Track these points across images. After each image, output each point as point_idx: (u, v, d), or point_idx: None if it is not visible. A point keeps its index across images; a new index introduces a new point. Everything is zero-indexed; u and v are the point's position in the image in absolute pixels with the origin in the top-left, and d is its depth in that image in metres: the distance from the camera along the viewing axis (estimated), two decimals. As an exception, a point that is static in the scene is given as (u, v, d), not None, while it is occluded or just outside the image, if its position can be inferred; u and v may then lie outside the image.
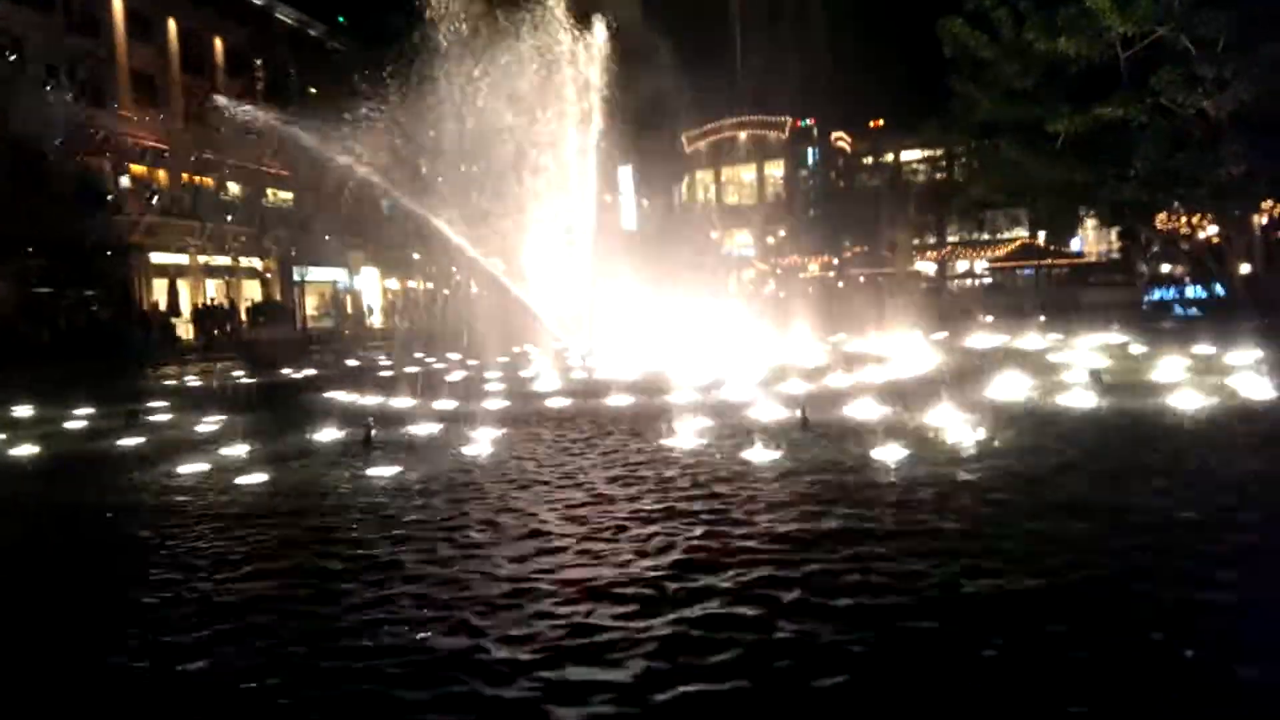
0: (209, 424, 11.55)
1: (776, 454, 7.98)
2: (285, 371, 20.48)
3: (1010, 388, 11.81)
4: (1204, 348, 15.80)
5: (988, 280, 65.24)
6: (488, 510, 6.51)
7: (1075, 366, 14.10)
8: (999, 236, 66.50)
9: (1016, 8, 24.80)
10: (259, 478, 7.94)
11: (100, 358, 23.03)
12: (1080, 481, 6.64)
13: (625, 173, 73.49)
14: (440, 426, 10.53)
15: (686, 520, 5.92)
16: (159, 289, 39.97)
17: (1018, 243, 63.15)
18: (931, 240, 67.23)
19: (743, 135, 72.75)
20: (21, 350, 24.92)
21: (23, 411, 13.32)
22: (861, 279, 62.03)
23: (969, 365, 16.00)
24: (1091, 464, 7.21)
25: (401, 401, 13.39)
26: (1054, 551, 4.94)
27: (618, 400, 12.49)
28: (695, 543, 5.41)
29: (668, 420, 10.07)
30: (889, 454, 7.76)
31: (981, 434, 8.57)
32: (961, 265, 70.61)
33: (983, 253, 66.38)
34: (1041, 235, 54.87)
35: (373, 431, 9.76)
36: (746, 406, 11.06)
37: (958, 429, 8.86)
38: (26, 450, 10.04)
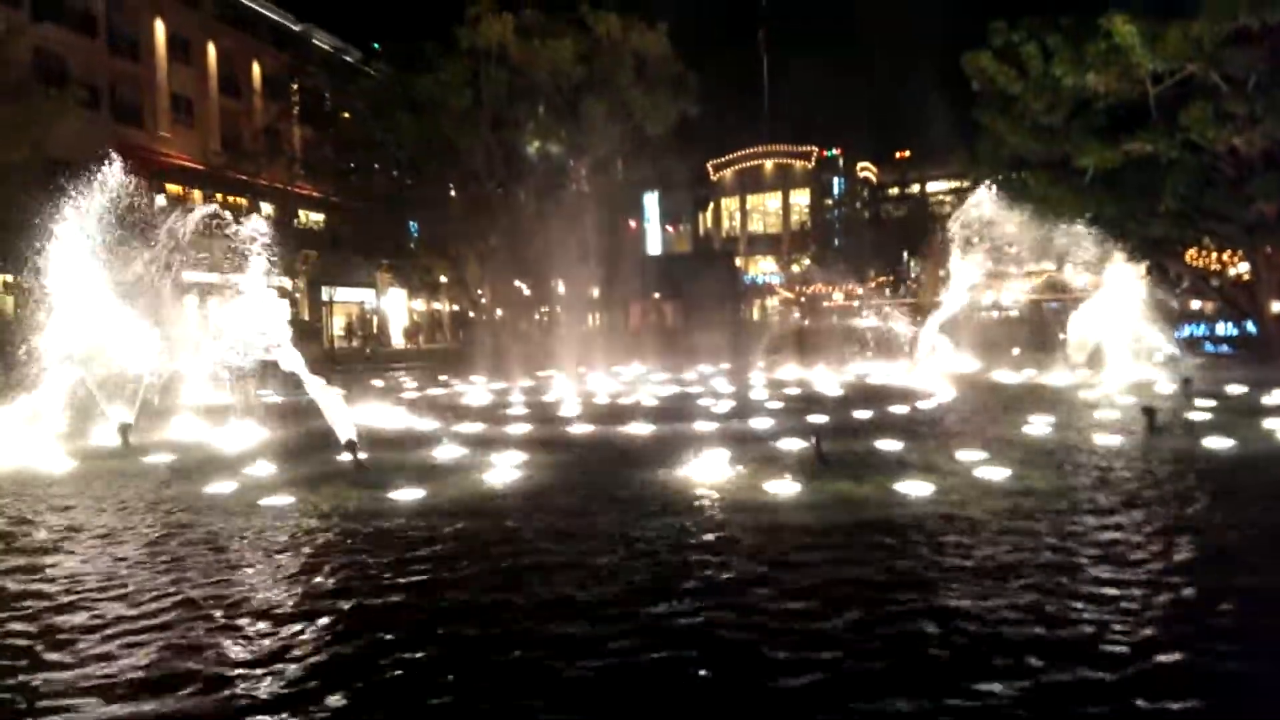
0: (237, 444, 11.67)
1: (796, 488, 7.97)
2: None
3: (1037, 424, 11.73)
4: (1237, 387, 15.63)
5: (1014, 313, 64.75)
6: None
7: (1105, 404, 13.98)
8: (1026, 269, 66.01)
9: (1044, 43, 24.81)
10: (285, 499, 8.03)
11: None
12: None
13: (651, 199, 74.00)
14: (464, 451, 10.61)
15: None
16: (190, 306, 40.57)
17: (1045, 275, 62.70)
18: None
19: (769, 164, 73.04)
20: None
21: (57, 424, 13.49)
22: (887, 308, 61.88)
23: (996, 399, 15.89)
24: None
25: (425, 424, 13.47)
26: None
27: (639, 428, 12.51)
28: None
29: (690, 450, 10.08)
30: (910, 490, 7.72)
31: (1008, 471, 8.50)
32: (988, 297, 70.18)
33: (1011, 285, 65.93)
34: (1069, 268, 54.28)
35: (361, 455, 9.74)
36: (768, 437, 11.06)
37: (984, 466, 8.80)
38: (60, 464, 10.20)
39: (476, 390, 19.99)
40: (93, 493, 8.75)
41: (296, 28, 46.43)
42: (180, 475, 9.52)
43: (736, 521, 6.89)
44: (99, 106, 36.40)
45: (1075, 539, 6.15)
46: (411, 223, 41.03)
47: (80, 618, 4.95)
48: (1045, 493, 7.62)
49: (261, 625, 4.76)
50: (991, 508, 7.08)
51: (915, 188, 70.06)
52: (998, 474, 8.37)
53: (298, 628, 4.71)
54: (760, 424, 12.48)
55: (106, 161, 13.61)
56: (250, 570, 5.93)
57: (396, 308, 55.38)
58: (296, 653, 4.35)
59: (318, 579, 5.65)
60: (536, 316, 48.89)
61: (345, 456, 9.79)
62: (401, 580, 5.58)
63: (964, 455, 9.38)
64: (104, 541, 6.81)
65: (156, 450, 11.13)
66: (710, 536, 6.47)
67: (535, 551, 6.17)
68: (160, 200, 39.45)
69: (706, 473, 8.83)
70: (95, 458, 10.93)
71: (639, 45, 36.70)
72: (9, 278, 30.58)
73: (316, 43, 45.44)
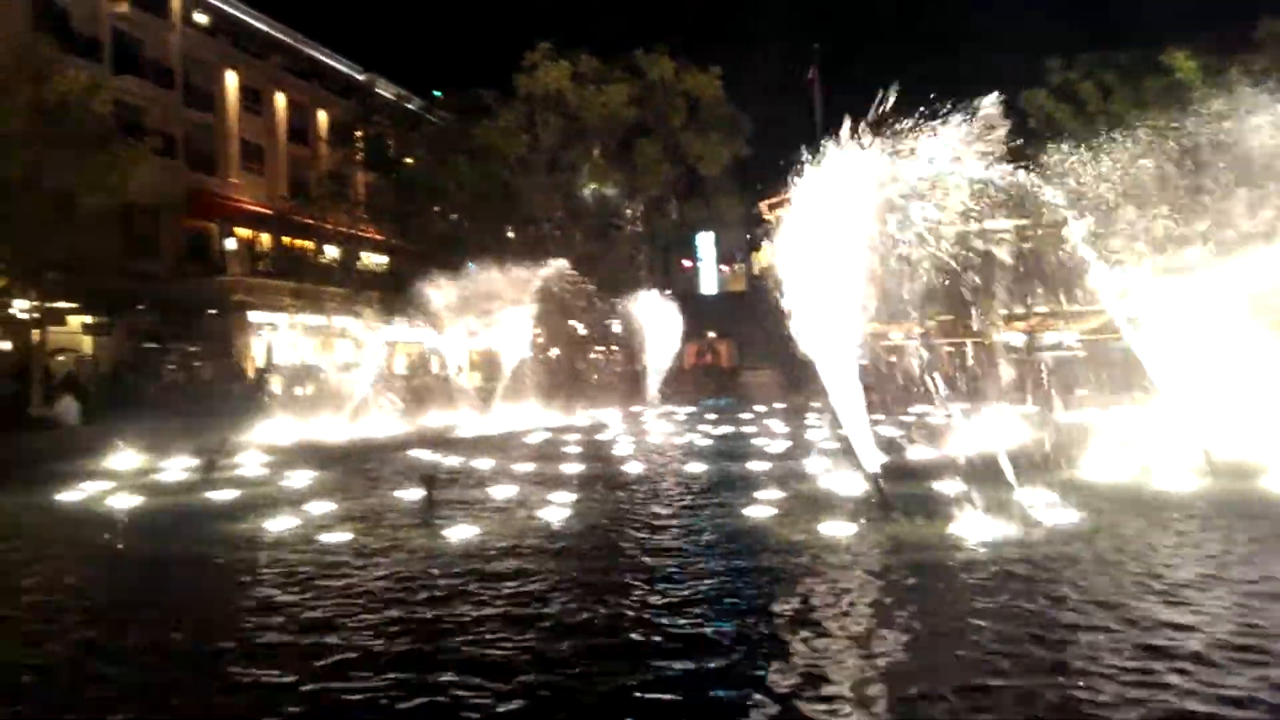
0: (298, 480, 11.93)
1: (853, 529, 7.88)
2: (370, 430, 20.99)
3: (1100, 465, 11.44)
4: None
5: (1080, 353, 62.95)
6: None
7: (1171, 445, 13.55)
8: (1092, 307, 64.21)
9: (1102, 80, 24.57)
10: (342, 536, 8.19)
11: (201, 412, 24.15)
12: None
13: (705, 238, 74.16)
14: (518, 489, 10.72)
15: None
16: (258, 346, 41.69)
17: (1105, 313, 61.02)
18: (1019, 310, 65.42)
19: (823, 202, 72.86)
20: (129, 401, 26.22)
21: (128, 461, 13.95)
22: (946, 349, 60.82)
23: (1059, 440, 15.51)
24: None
25: (482, 462, 13.62)
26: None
27: (693, 467, 12.51)
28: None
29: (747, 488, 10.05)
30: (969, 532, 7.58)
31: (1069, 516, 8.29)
32: (1051, 337, 68.38)
33: (1074, 324, 64.21)
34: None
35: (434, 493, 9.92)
36: (823, 478, 10.97)
37: (1044, 509, 8.59)
38: (128, 501, 10.52)
39: (533, 428, 20.15)
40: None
41: (361, 77, 47.88)
42: (249, 509, 9.75)
43: (789, 564, 6.85)
44: (174, 154, 37.86)
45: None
46: (470, 264, 41.75)
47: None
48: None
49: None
50: (1048, 554, 6.93)
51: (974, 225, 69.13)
52: (1060, 518, 8.18)
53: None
54: (816, 464, 12.38)
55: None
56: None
57: (456, 347, 56.05)
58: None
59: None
60: (592, 356, 49.17)
61: (418, 492, 10.02)
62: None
63: (1025, 497, 9.18)
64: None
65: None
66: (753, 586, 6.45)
67: (573, 596, 6.22)
68: (230, 243, 40.93)
69: (759, 512, 8.79)
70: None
71: (692, 88, 37.15)
72: (89, 318, 31.82)
73: (380, 92, 46.79)
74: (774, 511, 8.85)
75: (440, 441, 17.20)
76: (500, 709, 4.18)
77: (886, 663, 4.69)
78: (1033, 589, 5.90)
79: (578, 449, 15.53)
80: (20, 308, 26.05)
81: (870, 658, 4.76)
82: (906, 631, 5.18)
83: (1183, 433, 12.36)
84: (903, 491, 9.83)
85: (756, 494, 9.79)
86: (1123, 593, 5.79)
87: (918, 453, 13.68)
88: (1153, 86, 23.12)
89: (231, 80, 42.22)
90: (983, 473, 11.41)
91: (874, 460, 9.65)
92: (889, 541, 7.46)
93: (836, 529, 7.83)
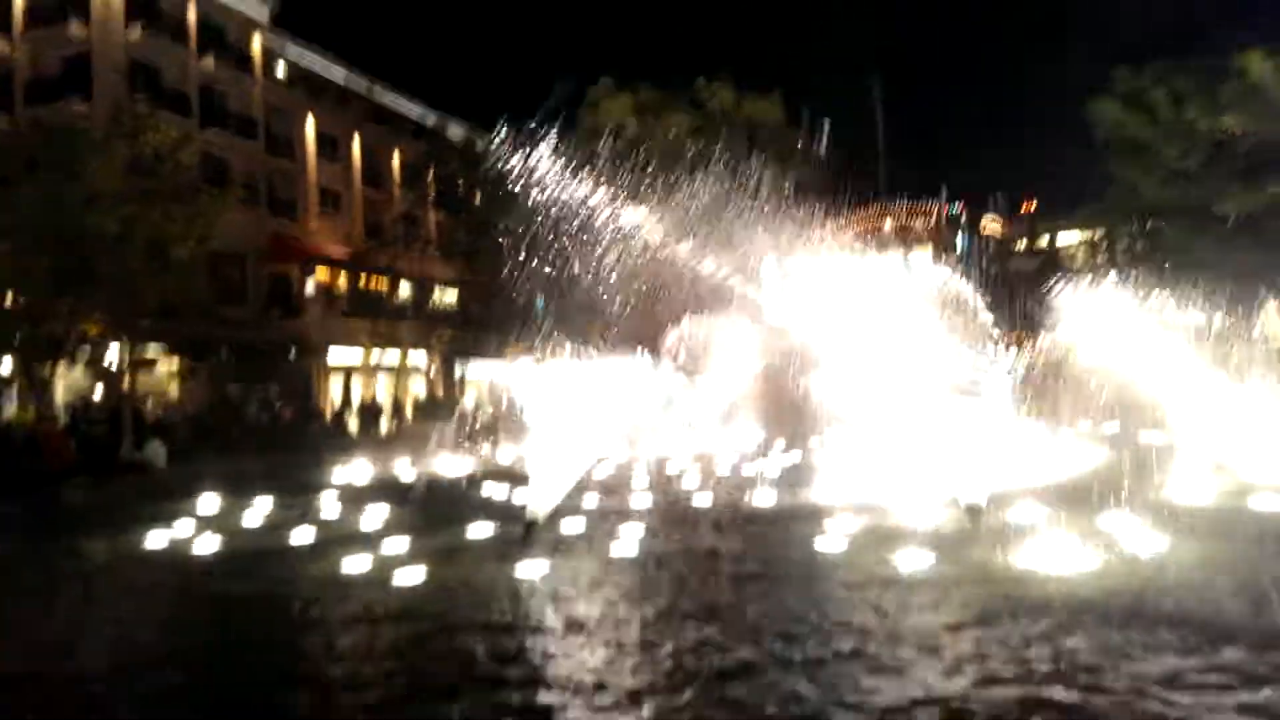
0: (373, 518, 12.17)
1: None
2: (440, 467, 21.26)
3: (1190, 489, 11.04)
4: None
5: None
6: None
7: (1259, 466, 13.00)
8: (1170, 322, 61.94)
9: (1173, 87, 23.88)
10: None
11: (281, 451, 24.93)
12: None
13: (768, 264, 73.72)
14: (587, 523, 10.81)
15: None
16: (335, 386, 42.88)
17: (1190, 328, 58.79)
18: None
19: (888, 223, 72.05)
20: (214, 444, 27.23)
21: (212, 504, 14.34)
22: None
23: (1144, 461, 14.98)
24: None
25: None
26: None
27: (762, 499, 12.45)
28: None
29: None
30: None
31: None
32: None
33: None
34: (1216, 320, 50.95)
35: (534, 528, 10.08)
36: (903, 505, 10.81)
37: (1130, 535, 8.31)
38: (212, 543, 10.85)
39: (600, 461, 20.19)
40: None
41: (432, 119, 49.19)
42: (328, 548, 10.05)
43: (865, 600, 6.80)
44: (257, 202, 39.35)
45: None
46: (538, 298, 42.33)
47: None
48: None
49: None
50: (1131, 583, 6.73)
51: (1044, 240, 67.61)
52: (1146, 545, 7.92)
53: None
54: (888, 494, 12.18)
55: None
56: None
57: (525, 380, 56.67)
58: None
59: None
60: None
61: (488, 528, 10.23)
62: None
63: (1109, 523, 8.91)
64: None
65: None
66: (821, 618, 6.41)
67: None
68: (310, 287, 42.31)
69: (830, 544, 8.73)
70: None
71: (752, 114, 37.37)
72: (177, 363, 33.19)
73: (453, 128, 47.82)
74: (845, 544, 8.76)
75: (510, 476, 17.37)
76: None
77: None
78: (1113, 621, 5.75)
79: (645, 480, 15.56)
80: (112, 354, 27.35)
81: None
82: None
83: (1268, 453, 11.87)
84: (980, 519, 9.65)
85: (828, 522, 9.71)
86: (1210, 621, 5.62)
87: (993, 478, 13.32)
88: (1228, 91, 22.41)
89: (310, 128, 43.82)
90: (1063, 497, 11.15)
91: (951, 487, 9.52)
92: (965, 572, 7.34)
93: (912, 558, 7.72)
